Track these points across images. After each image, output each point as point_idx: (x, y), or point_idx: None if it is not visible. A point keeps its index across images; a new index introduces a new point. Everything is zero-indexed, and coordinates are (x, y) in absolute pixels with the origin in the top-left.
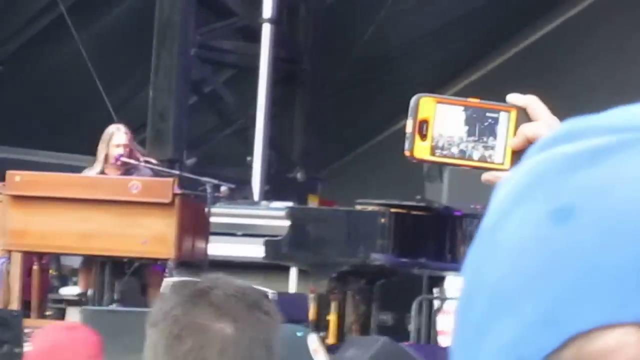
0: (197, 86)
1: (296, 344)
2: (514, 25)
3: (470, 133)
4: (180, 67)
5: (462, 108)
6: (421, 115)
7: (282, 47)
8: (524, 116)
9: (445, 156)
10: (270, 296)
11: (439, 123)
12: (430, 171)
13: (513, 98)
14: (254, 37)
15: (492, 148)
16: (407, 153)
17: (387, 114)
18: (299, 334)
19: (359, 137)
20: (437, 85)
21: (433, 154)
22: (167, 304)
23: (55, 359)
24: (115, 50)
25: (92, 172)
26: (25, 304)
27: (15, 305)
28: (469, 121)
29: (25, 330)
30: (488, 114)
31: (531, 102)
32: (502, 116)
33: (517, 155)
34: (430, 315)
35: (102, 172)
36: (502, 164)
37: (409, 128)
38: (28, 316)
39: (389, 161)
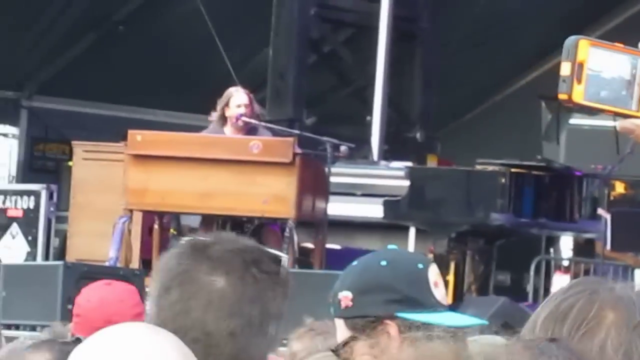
0: (316, 45)
1: (416, 276)
2: None
3: (615, 79)
4: (299, 27)
5: (611, 53)
6: (579, 58)
7: (401, 5)
8: None
9: (595, 101)
10: (283, 261)
11: (592, 67)
12: (548, 131)
13: None
14: None
15: (631, 94)
16: (563, 96)
17: (506, 74)
18: (420, 265)
19: (477, 96)
20: (554, 45)
21: (585, 98)
22: (167, 256)
23: (106, 310)
24: (235, 9)
25: (210, 129)
26: (145, 263)
27: (136, 264)
28: (615, 67)
29: (146, 290)
30: (631, 61)
31: None
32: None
33: None
34: (548, 275)
35: (220, 128)
36: (638, 110)
37: (565, 71)
38: (149, 275)
39: (507, 121)
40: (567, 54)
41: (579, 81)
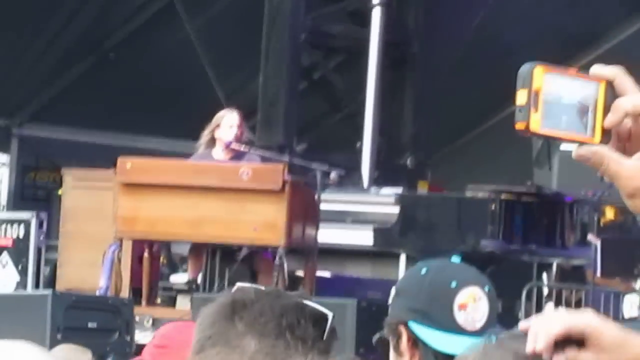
0: (307, 72)
1: (442, 293)
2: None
3: (571, 106)
4: (290, 53)
5: (567, 78)
6: (535, 86)
7: (392, 31)
8: (610, 90)
9: (552, 129)
10: (328, 320)
11: (547, 94)
12: (539, 157)
13: (598, 70)
14: (364, 21)
15: (587, 121)
16: (520, 126)
17: (497, 100)
18: (453, 284)
19: (469, 122)
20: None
21: (542, 126)
22: (208, 309)
23: (176, 353)
24: (225, 37)
25: (198, 153)
26: (136, 292)
27: (125, 292)
28: (572, 92)
29: (136, 318)
30: (586, 86)
31: (618, 73)
32: (593, 87)
33: (608, 131)
34: (540, 303)
35: (209, 150)
36: (593, 137)
37: (521, 100)
38: (139, 303)
39: (499, 146)
40: (522, 82)
41: (536, 109)
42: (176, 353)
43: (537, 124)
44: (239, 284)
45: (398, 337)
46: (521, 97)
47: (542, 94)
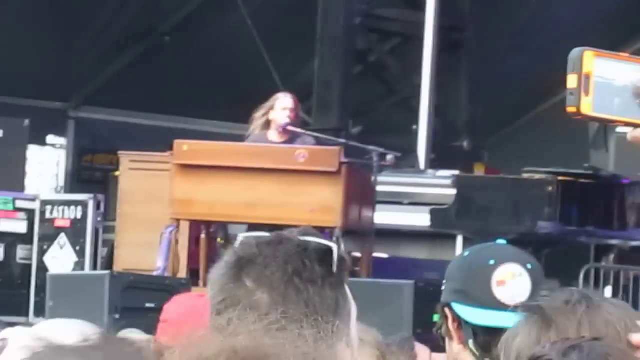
0: (362, 55)
1: (480, 271)
2: None
3: (624, 89)
4: (345, 37)
5: (617, 63)
6: (585, 70)
7: (447, 15)
8: None
9: (604, 112)
10: (334, 253)
11: (599, 78)
12: (596, 139)
13: None
14: (419, 5)
15: None
16: (572, 109)
17: (552, 82)
18: (491, 262)
19: (524, 105)
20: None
21: (594, 109)
22: (216, 271)
23: (194, 319)
24: (280, 20)
25: (254, 134)
26: (193, 273)
27: (183, 273)
28: (623, 76)
29: None
30: (638, 69)
31: None
32: None
33: None
34: (598, 284)
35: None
36: None
37: (572, 83)
38: (196, 284)
39: (554, 129)
40: (573, 67)
41: (587, 93)
42: (175, 326)
43: (589, 107)
44: (243, 235)
45: (445, 321)
46: (572, 81)
47: (593, 78)
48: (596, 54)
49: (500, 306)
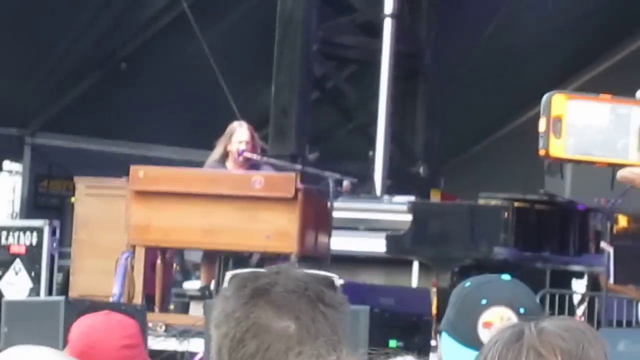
0: (319, 82)
1: (470, 309)
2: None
3: (603, 130)
4: (302, 63)
5: (594, 104)
6: (554, 113)
7: (404, 41)
8: None
9: (580, 154)
10: (336, 282)
11: (572, 120)
12: (551, 165)
13: None
14: (376, 32)
15: (626, 144)
16: (541, 152)
17: (509, 108)
18: (483, 301)
19: (481, 131)
20: (559, 80)
21: (567, 151)
22: (229, 305)
23: (90, 337)
24: (237, 47)
25: (212, 167)
26: (149, 299)
27: (138, 299)
28: (601, 117)
29: (149, 325)
30: (620, 110)
31: None
32: (635, 111)
33: None
34: (553, 309)
35: (222, 166)
36: (638, 160)
37: (542, 126)
38: (152, 310)
39: (510, 156)
40: (542, 110)
41: (558, 135)
42: (72, 344)
43: (561, 149)
44: (232, 273)
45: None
46: (541, 124)
47: (566, 121)
48: (569, 96)
49: (480, 347)
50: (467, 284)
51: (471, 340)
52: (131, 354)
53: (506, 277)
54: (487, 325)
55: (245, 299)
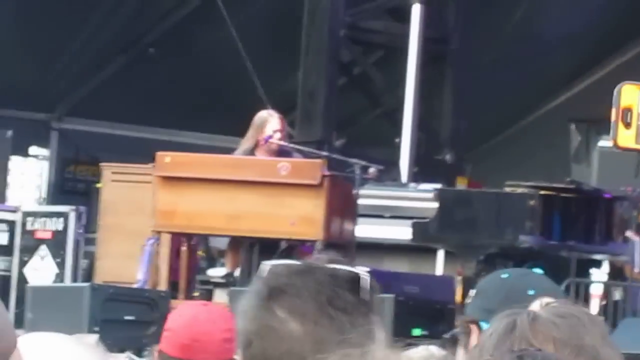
0: (346, 67)
1: (517, 297)
2: None
3: None
4: (329, 49)
5: None
6: (624, 103)
7: (432, 27)
8: None
9: None
10: (362, 280)
11: None
12: (578, 153)
13: None
14: (404, 17)
15: None
16: (612, 142)
17: (536, 96)
18: (530, 292)
19: (507, 118)
20: (584, 68)
21: (638, 142)
22: (247, 302)
23: (195, 328)
24: (265, 32)
25: (242, 154)
26: (173, 285)
27: (163, 285)
28: None
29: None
30: None
31: None
32: None
33: None
34: (579, 298)
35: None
36: None
37: (612, 117)
38: (176, 297)
39: (537, 143)
40: (614, 100)
41: (628, 126)
42: (175, 335)
43: (630, 139)
44: (270, 264)
45: (468, 335)
46: (612, 114)
47: (637, 111)
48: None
49: None
50: (505, 275)
51: None
52: (230, 348)
53: (539, 270)
54: None
55: (259, 300)
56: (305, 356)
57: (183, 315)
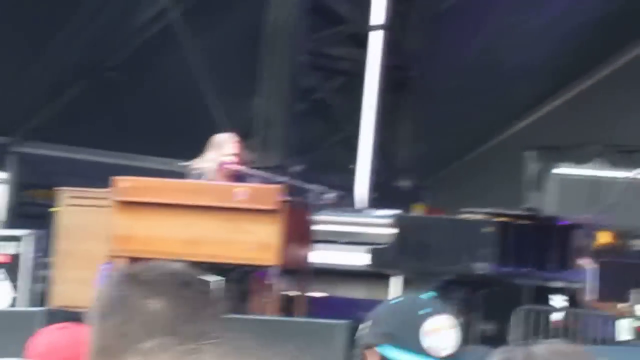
0: (307, 93)
1: (410, 318)
2: (621, 39)
3: None
4: (290, 74)
5: None
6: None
7: (392, 54)
8: None
9: None
10: (211, 283)
11: None
12: (532, 180)
13: None
14: (365, 43)
15: None
16: None
17: (494, 124)
18: (421, 312)
19: (466, 145)
20: (542, 97)
21: None
22: (104, 284)
23: (54, 357)
24: (226, 57)
25: (196, 177)
26: None
27: None
28: None
29: None
30: None
31: None
32: None
33: None
34: (531, 327)
35: (206, 177)
36: None
37: None
38: None
39: (494, 170)
40: None
41: None
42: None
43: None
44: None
45: None
46: None
47: None
48: None
49: (426, 353)
50: (395, 300)
51: (417, 348)
52: None
53: (431, 294)
54: (429, 333)
55: (117, 278)
56: (158, 330)
57: (40, 344)
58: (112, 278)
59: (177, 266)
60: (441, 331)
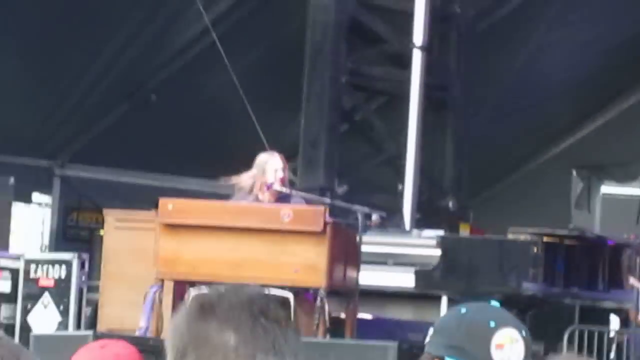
0: (348, 114)
1: (480, 331)
2: None
3: None
4: (331, 95)
5: None
6: None
7: (432, 73)
8: None
9: None
10: (290, 301)
11: None
12: (579, 200)
13: None
14: (405, 63)
15: None
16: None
17: (538, 142)
18: (491, 323)
19: (510, 165)
20: (586, 115)
21: None
22: (178, 318)
23: None
24: (267, 79)
25: (242, 198)
26: None
27: (166, 333)
28: None
29: None
30: None
31: None
32: None
33: None
34: (582, 346)
35: (255, 199)
36: None
37: None
38: None
39: (539, 190)
40: None
41: None
42: None
43: None
44: (194, 289)
45: None
46: None
47: None
48: None
49: None
50: (463, 309)
51: None
52: None
53: (496, 303)
54: (500, 347)
55: (191, 315)
56: None
57: (83, 358)
58: (187, 310)
59: (251, 293)
60: (512, 344)
